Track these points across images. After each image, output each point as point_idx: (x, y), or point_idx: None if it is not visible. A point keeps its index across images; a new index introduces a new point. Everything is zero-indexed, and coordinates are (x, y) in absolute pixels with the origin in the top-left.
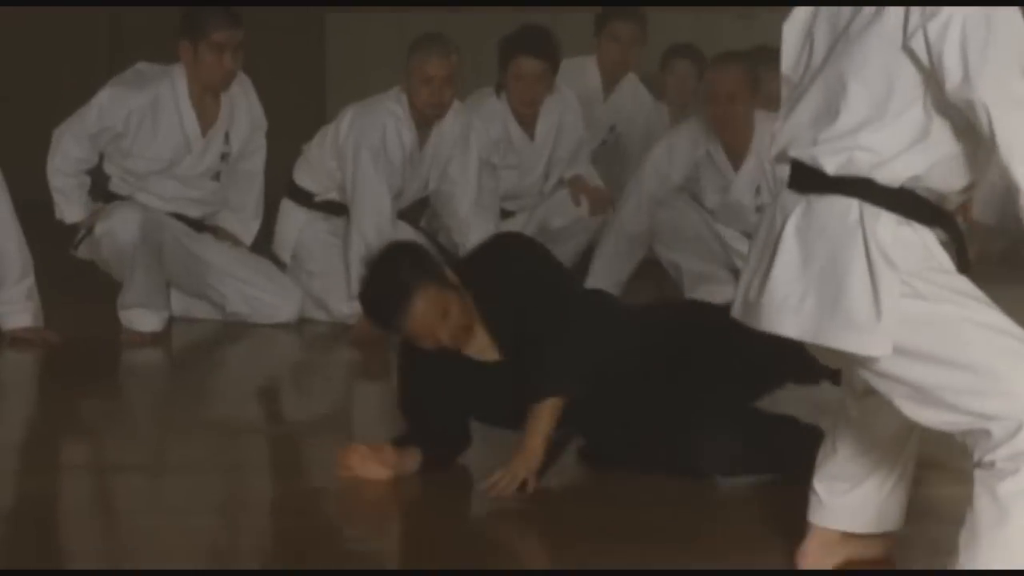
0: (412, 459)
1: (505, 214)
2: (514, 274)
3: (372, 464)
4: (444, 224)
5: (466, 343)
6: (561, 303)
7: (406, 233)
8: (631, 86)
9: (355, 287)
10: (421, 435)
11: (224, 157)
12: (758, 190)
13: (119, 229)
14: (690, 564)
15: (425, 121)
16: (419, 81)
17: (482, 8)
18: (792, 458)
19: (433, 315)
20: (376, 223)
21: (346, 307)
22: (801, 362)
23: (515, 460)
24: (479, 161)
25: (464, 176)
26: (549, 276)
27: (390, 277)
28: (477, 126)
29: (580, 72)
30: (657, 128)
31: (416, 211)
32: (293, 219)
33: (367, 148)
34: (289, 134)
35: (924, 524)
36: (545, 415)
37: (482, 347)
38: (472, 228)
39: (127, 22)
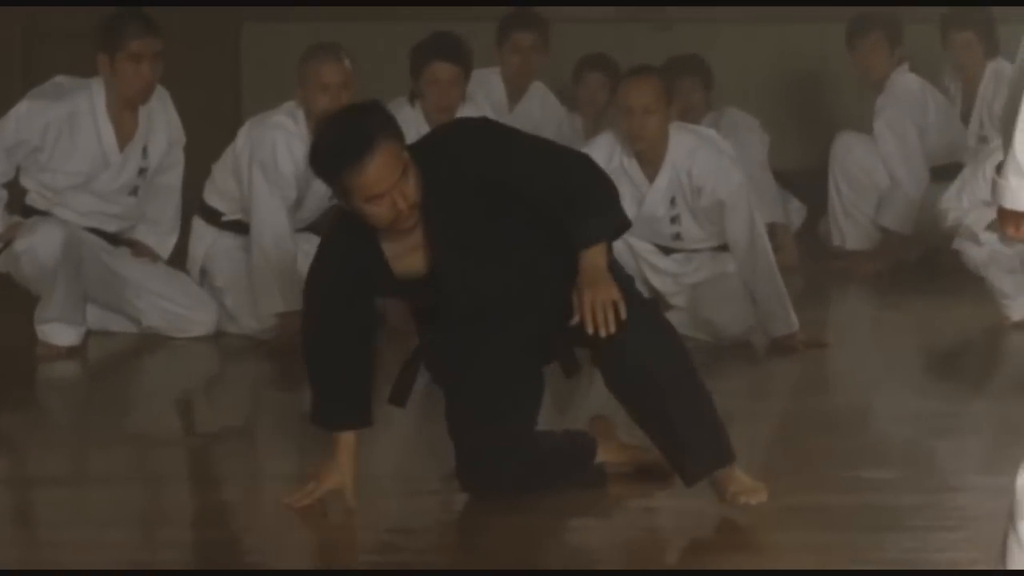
0: (346, 451)
1: None
2: (478, 155)
3: (323, 489)
4: None
5: (408, 222)
6: (554, 158)
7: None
8: (539, 95)
9: (261, 303)
10: (328, 382)
11: (142, 172)
12: (673, 201)
13: (41, 246)
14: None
15: None
16: (315, 90)
17: (398, 20)
18: (571, 469)
19: (393, 170)
20: (274, 237)
21: (254, 322)
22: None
23: (600, 288)
24: None
25: None
26: (518, 145)
27: (356, 122)
28: None
29: (485, 84)
30: (569, 138)
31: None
32: (202, 237)
33: (258, 163)
34: (203, 148)
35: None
36: (600, 255)
37: (413, 250)
38: None
39: (42, 26)
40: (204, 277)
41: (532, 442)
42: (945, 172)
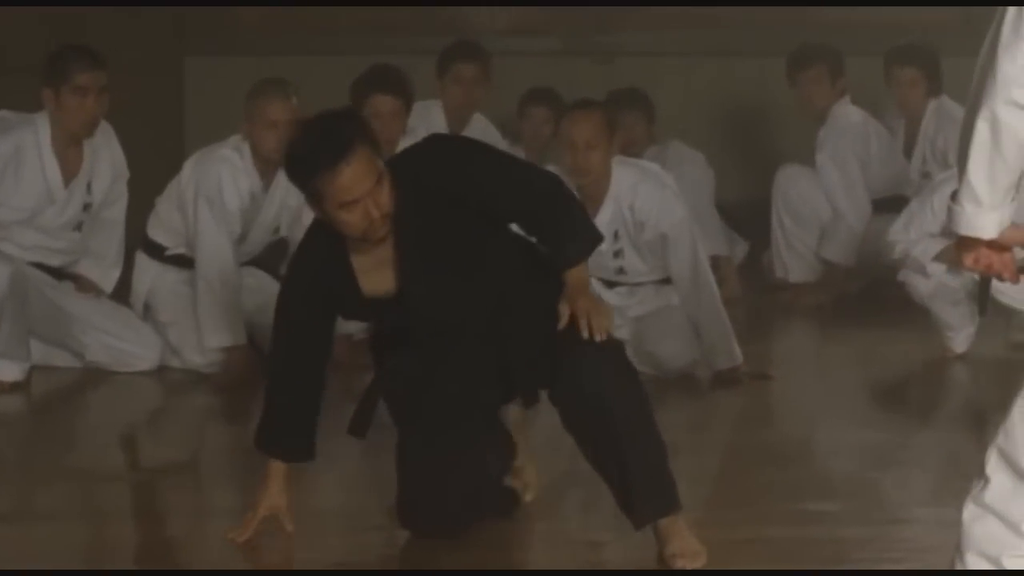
0: (277, 478)
1: None
2: (454, 171)
3: (259, 517)
4: None
5: (379, 232)
6: (522, 178)
7: (260, 280)
8: (480, 127)
9: (206, 337)
10: (281, 409)
11: (86, 207)
12: (616, 235)
13: None
14: None
15: (270, 167)
16: (263, 126)
17: (338, 53)
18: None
19: (368, 176)
20: (219, 271)
21: (199, 357)
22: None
23: (586, 303)
24: None
25: None
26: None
27: (332, 127)
28: None
29: (426, 116)
30: None
31: (275, 258)
32: (146, 271)
33: (203, 197)
34: (146, 182)
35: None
36: (584, 270)
37: (381, 265)
38: None
39: None
40: (148, 312)
41: (478, 484)
42: (887, 205)
